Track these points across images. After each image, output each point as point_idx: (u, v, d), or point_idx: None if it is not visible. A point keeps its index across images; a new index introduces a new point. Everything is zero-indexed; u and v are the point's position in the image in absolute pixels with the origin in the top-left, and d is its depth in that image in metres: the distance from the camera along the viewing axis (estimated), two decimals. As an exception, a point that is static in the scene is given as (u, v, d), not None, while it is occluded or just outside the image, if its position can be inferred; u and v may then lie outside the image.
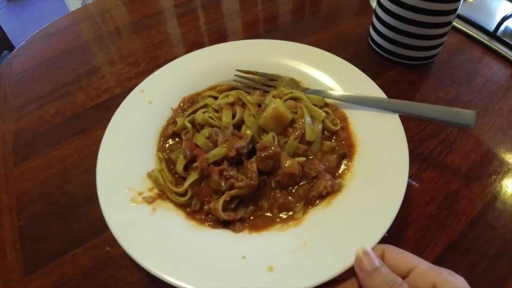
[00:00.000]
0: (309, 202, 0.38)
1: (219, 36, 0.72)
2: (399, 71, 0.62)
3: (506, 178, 0.46)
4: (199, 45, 0.69)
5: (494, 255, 0.39)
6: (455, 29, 0.69)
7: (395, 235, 0.40)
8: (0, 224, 0.47)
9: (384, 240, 0.34)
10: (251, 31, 0.73)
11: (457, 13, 0.56)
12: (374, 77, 0.51)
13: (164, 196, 0.40)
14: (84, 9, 0.87)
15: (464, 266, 0.39)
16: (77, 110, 0.59)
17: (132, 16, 0.81)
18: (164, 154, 0.44)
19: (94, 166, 0.42)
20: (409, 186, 0.45)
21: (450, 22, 0.56)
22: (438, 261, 0.39)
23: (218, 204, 0.36)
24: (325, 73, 0.51)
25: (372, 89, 0.47)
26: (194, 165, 0.40)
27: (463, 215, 0.43)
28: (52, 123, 0.58)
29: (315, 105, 0.46)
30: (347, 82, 0.49)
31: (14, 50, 0.78)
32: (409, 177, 0.46)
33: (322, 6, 0.80)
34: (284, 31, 0.73)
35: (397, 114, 0.43)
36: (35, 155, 0.53)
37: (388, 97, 0.46)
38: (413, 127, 0.52)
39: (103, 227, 0.43)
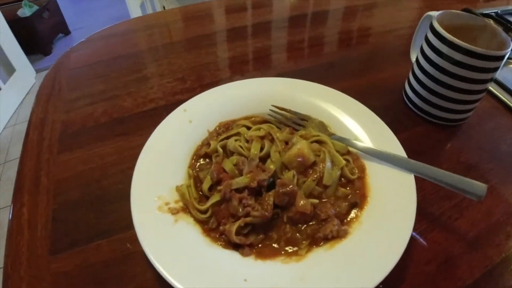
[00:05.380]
0: (315, 241, 0.41)
1: (262, 66, 0.77)
2: (427, 128, 0.63)
3: (510, 251, 0.47)
4: (243, 72, 0.74)
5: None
6: (488, 92, 0.70)
7: (389, 287, 0.42)
8: (36, 203, 0.52)
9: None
10: (293, 66, 0.77)
11: (492, 81, 0.57)
12: (401, 130, 0.53)
13: (187, 210, 0.44)
14: (143, 19, 0.95)
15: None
16: (123, 113, 0.65)
17: (187, 33, 0.87)
18: (194, 171, 0.49)
19: (130, 167, 0.47)
20: (415, 241, 0.47)
21: (485, 89, 0.58)
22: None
23: (232, 227, 0.40)
24: (353, 121, 0.54)
25: (395, 147, 0.50)
26: (219, 187, 0.44)
27: (460, 280, 0.44)
28: (98, 121, 0.63)
29: (338, 152, 0.49)
30: (372, 135, 0.52)
31: (74, 46, 0.85)
32: (416, 234, 0.49)
33: (364, 51, 0.83)
34: (323, 71, 0.76)
35: (412, 174, 0.46)
36: (79, 147, 0.58)
37: (411, 152, 0.48)
38: (428, 187, 0.54)
39: (128, 225, 0.47)
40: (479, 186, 0.43)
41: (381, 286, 0.37)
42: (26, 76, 2.63)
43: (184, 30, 0.89)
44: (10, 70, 2.51)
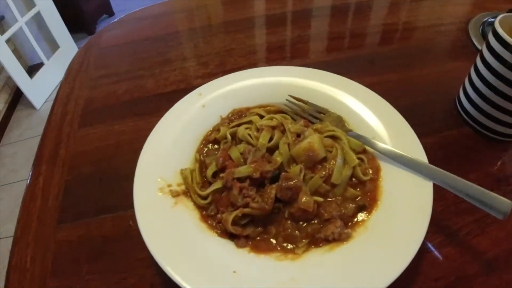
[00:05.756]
0: (314, 242, 0.39)
1: (289, 55, 0.74)
2: (464, 132, 0.58)
3: (532, 279, 0.43)
4: (268, 60, 0.72)
5: None
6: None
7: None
8: (52, 174, 0.53)
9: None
10: (322, 57, 0.73)
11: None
12: (430, 133, 0.51)
13: (188, 194, 0.43)
14: (179, 1, 0.94)
15: None
16: (144, 94, 0.65)
17: (221, 17, 0.86)
18: (200, 156, 0.48)
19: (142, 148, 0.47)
20: (427, 254, 0.44)
21: None
22: None
23: (229, 217, 0.39)
24: (374, 119, 0.51)
25: (417, 150, 0.46)
26: (221, 175, 0.43)
27: (470, 303, 0.41)
28: (120, 100, 0.64)
29: (353, 150, 0.46)
30: (393, 135, 0.49)
31: (107, 25, 0.87)
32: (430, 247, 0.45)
33: (402, 46, 0.76)
34: (352, 64, 0.71)
35: (431, 182, 0.42)
36: (98, 124, 0.60)
37: (436, 158, 0.45)
38: (451, 197, 0.50)
39: (133, 204, 0.48)
40: (504, 202, 0.39)
41: (380, 296, 0.34)
42: (69, 53, 2.73)
43: (219, 14, 0.88)
44: (54, 46, 2.63)
